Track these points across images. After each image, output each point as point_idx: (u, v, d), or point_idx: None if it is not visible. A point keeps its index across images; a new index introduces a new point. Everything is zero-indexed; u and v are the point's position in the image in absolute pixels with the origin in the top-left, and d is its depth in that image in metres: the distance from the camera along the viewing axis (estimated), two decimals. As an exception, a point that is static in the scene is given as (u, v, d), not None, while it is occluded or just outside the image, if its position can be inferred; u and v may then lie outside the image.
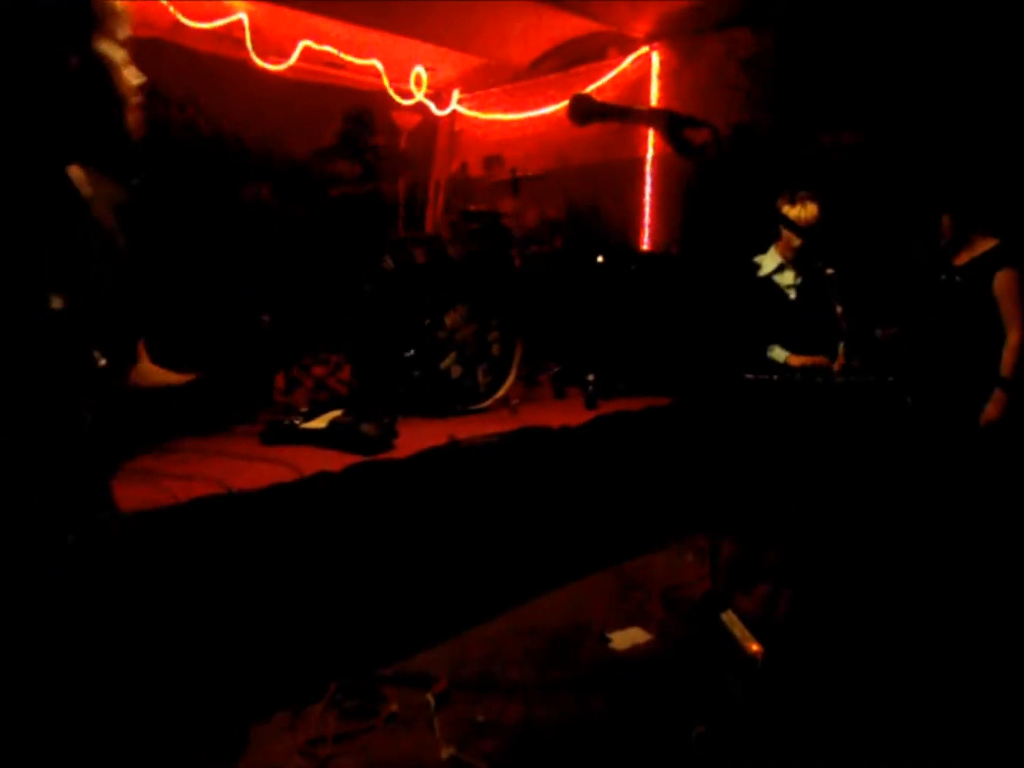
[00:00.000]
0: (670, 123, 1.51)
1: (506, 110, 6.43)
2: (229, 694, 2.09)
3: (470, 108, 6.80)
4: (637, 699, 2.31)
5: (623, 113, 1.61)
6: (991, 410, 2.95)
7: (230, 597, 2.15)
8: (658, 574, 3.29)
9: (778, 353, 3.29)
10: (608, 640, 2.70)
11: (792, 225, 3.09)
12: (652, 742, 2.08)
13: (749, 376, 2.73)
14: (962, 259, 3.10)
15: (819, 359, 3.18)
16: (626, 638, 2.72)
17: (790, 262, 3.35)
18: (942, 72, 3.82)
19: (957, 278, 3.08)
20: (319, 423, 2.91)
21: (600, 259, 4.39)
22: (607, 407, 3.77)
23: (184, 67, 5.59)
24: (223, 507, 2.15)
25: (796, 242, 3.26)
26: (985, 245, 3.06)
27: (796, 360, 3.25)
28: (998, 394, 2.94)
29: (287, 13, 5.52)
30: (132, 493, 2.10)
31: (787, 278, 3.36)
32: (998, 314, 2.98)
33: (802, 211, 3.16)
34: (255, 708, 2.13)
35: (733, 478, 2.98)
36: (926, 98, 3.86)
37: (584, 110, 1.61)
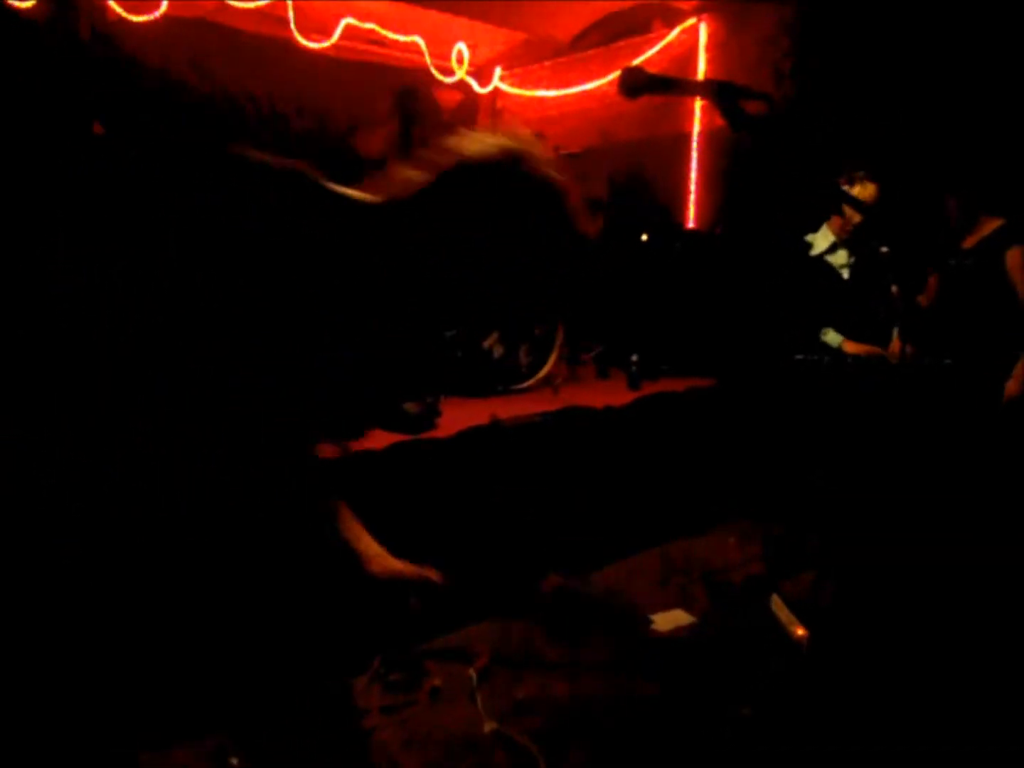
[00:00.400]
0: (724, 94, 1.46)
1: (548, 87, 6.36)
2: (291, 664, 2.13)
3: (512, 85, 6.74)
4: (681, 680, 2.30)
5: (675, 84, 1.57)
6: (1012, 386, 2.89)
7: (273, 578, 2.18)
8: (700, 557, 3.25)
9: (832, 337, 3.20)
10: (651, 622, 2.68)
11: (855, 201, 3.01)
12: (696, 722, 2.07)
13: (799, 357, 2.67)
14: (969, 242, 3.02)
15: (875, 349, 3.10)
16: (669, 620, 2.69)
17: (844, 241, 3.25)
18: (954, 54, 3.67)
19: (966, 262, 3.01)
20: (363, 401, 2.93)
21: (644, 237, 4.32)
22: (650, 388, 3.73)
23: (228, 46, 5.64)
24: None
25: (856, 219, 3.17)
26: (991, 225, 2.98)
27: (851, 347, 3.16)
28: (1019, 370, 2.88)
29: (330, -9, 5.53)
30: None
31: (840, 258, 3.27)
32: (1012, 293, 2.91)
33: (861, 191, 3.07)
34: (310, 679, 2.18)
35: (779, 462, 2.93)
36: (938, 80, 3.74)
37: (635, 82, 1.57)
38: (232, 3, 5.47)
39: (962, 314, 3.04)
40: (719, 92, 1.43)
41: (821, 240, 3.28)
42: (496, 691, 2.27)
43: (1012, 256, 2.91)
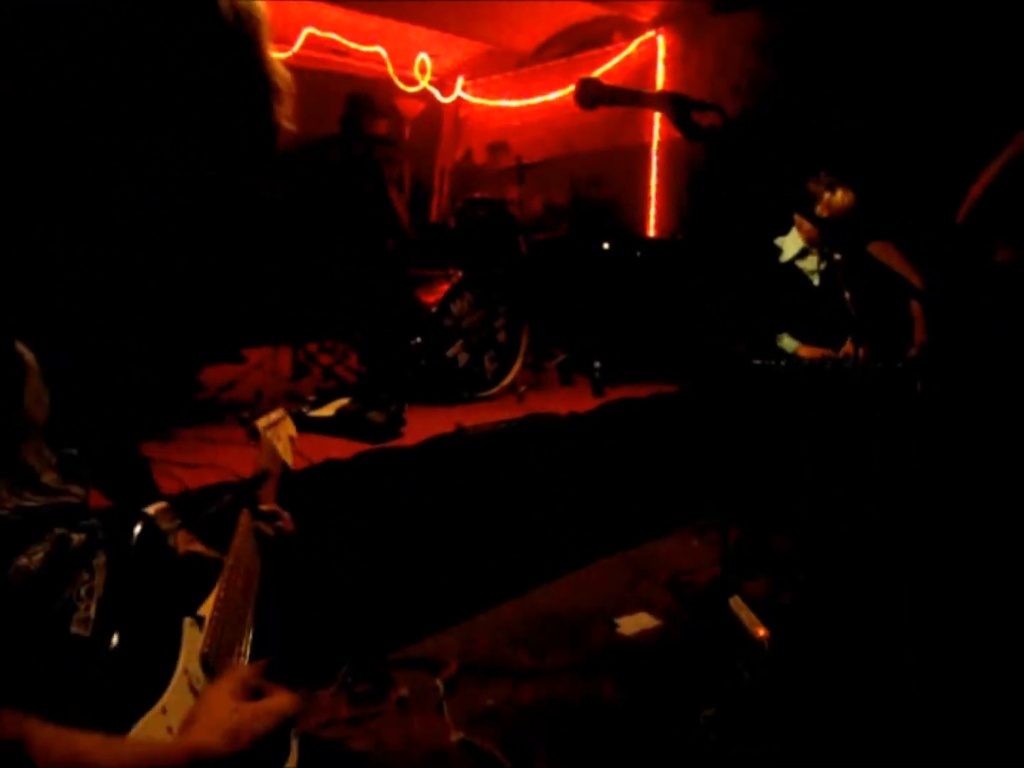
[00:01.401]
0: (678, 106, 1.50)
1: (511, 97, 6.41)
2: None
3: (474, 95, 6.77)
4: (646, 683, 2.33)
5: (631, 96, 1.60)
6: (919, 334, 3.07)
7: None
8: (665, 560, 3.30)
9: (788, 343, 3.23)
10: (616, 626, 2.71)
11: (806, 212, 3.05)
12: (662, 725, 2.10)
13: (757, 362, 2.71)
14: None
15: (827, 352, 3.13)
16: (634, 623, 2.73)
17: (814, 245, 3.28)
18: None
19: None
20: (327, 411, 2.92)
21: (606, 246, 4.37)
22: (613, 394, 3.77)
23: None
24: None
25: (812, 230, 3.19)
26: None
27: (806, 351, 3.19)
28: (919, 318, 3.07)
29: (290, 0, 5.50)
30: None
31: (810, 263, 3.29)
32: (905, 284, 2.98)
33: (840, 197, 3.08)
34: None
35: (739, 464, 2.98)
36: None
37: (592, 94, 1.59)
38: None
39: (877, 314, 3.06)
40: (673, 104, 1.46)
41: (791, 245, 3.28)
42: (464, 699, 2.28)
43: (878, 250, 2.91)
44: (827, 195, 3.09)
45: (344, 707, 2.16)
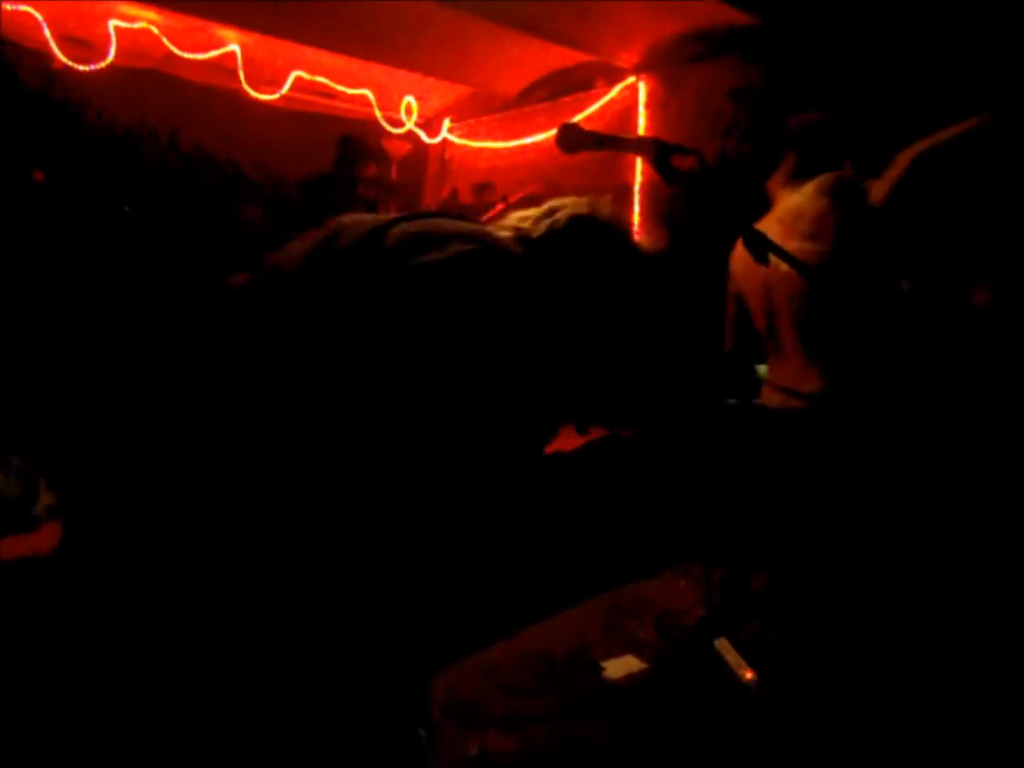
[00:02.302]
0: (657, 151, 1.53)
1: (496, 138, 6.52)
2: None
3: (460, 136, 6.88)
4: (634, 729, 2.29)
5: (610, 141, 1.63)
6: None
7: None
8: (651, 601, 3.27)
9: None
10: (602, 669, 2.67)
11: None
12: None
13: (730, 401, 2.74)
14: None
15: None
16: (620, 667, 2.69)
17: None
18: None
19: None
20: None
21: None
22: (599, 432, 3.77)
23: (178, 97, 5.66)
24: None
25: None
26: None
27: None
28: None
29: (280, 44, 5.61)
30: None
31: None
32: None
33: None
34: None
35: (723, 505, 2.98)
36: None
37: (572, 139, 1.63)
38: (180, 54, 5.51)
39: None
40: (651, 149, 1.50)
41: None
42: (446, 749, 2.22)
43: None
44: None
45: (323, 756, 2.10)
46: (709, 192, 1.56)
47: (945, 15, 3.83)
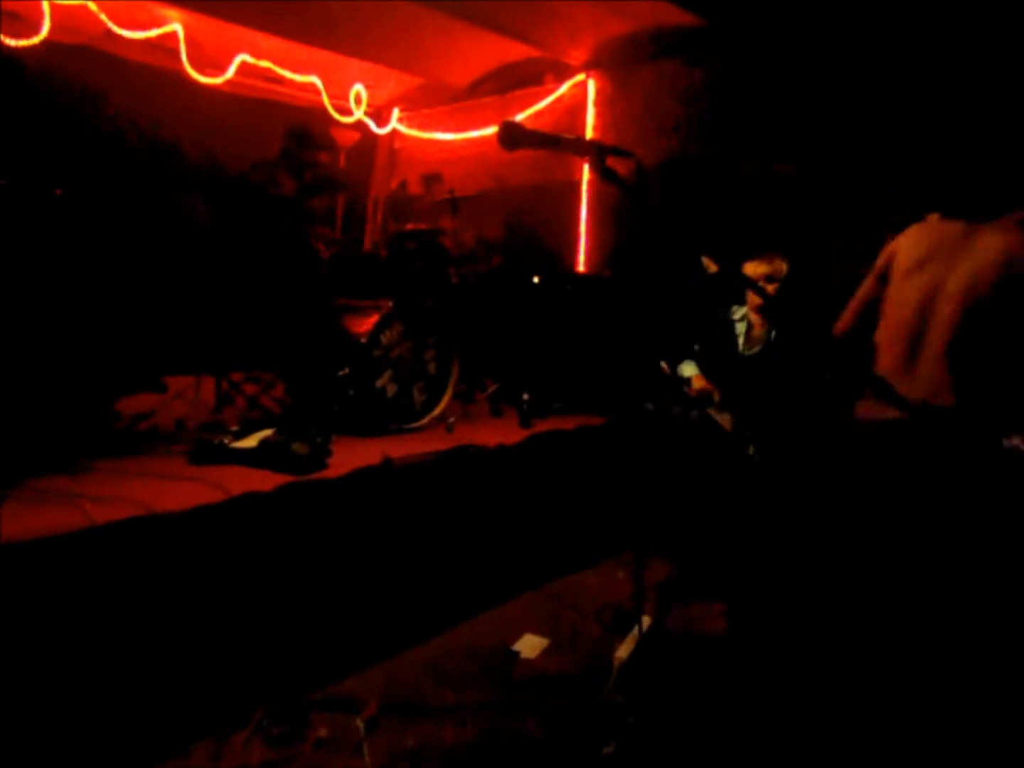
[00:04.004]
0: (595, 152, 1.56)
1: (446, 130, 6.49)
2: (144, 727, 2.02)
3: (410, 127, 6.83)
4: (565, 719, 2.33)
5: (550, 141, 1.65)
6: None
7: (149, 622, 2.08)
8: (590, 591, 3.33)
9: (687, 368, 3.37)
10: (517, 653, 2.74)
11: (755, 286, 3.18)
12: (576, 761, 2.10)
13: (648, 405, 2.81)
14: None
15: (716, 393, 3.26)
16: (529, 646, 2.77)
17: (754, 312, 3.43)
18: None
19: None
20: (250, 442, 2.86)
21: (536, 280, 4.45)
22: (542, 425, 3.81)
23: (116, 76, 5.47)
24: (144, 529, 2.09)
25: (756, 300, 3.34)
26: None
27: (700, 382, 3.34)
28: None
29: (224, 27, 5.46)
30: (44, 516, 2.03)
31: (741, 325, 3.46)
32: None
33: (773, 266, 3.24)
34: (172, 740, 2.07)
35: (660, 495, 3.04)
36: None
37: (513, 137, 1.64)
38: (119, 32, 5.32)
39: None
40: (589, 150, 1.52)
41: (739, 312, 3.48)
42: (385, 739, 2.23)
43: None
44: (752, 267, 3.26)
45: (258, 751, 2.10)
46: (644, 194, 1.59)
47: (889, 25, 3.96)
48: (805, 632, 2.53)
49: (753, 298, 3.37)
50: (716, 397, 3.24)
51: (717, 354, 3.42)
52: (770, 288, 3.25)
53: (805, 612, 2.58)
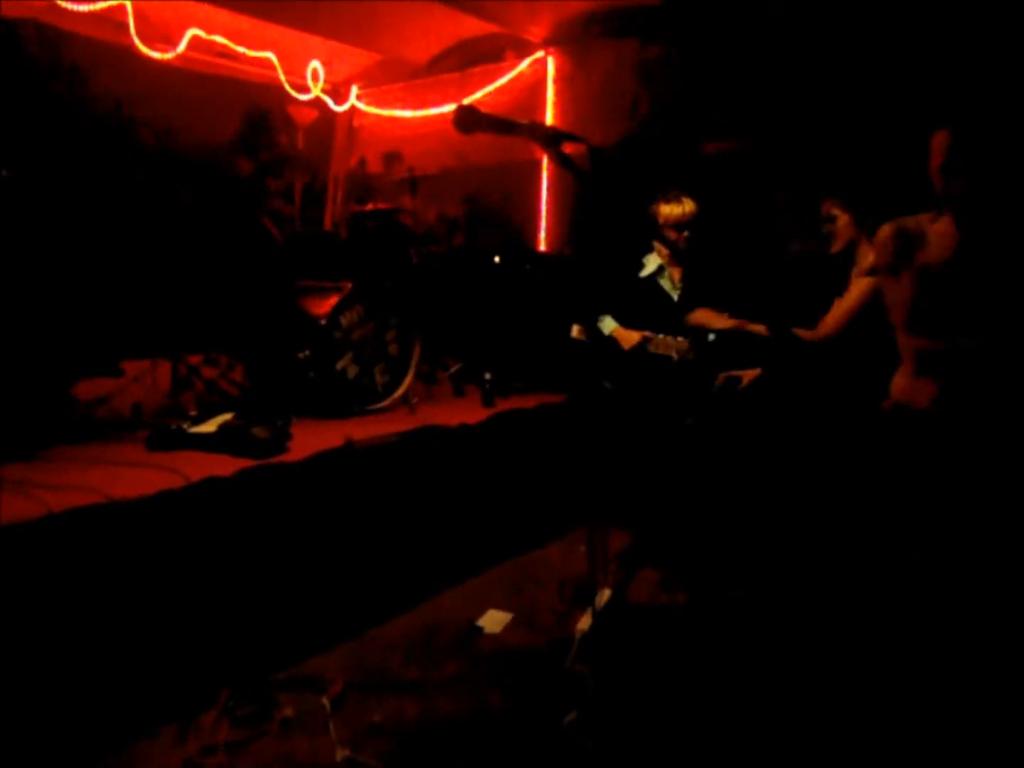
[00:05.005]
0: (548, 137, 1.58)
1: (405, 107, 6.42)
2: (111, 711, 2.03)
3: (369, 104, 6.74)
4: (530, 691, 2.39)
5: (506, 126, 1.67)
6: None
7: (109, 610, 2.08)
8: (554, 565, 3.38)
9: (607, 323, 3.35)
10: (481, 628, 2.79)
11: (662, 237, 3.21)
12: (540, 731, 2.16)
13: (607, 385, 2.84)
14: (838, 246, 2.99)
15: (646, 333, 3.21)
16: (492, 621, 2.82)
17: (671, 263, 3.45)
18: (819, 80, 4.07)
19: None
20: (208, 427, 2.84)
21: (496, 259, 4.46)
22: (504, 404, 3.84)
23: (61, 52, 5.29)
24: (102, 517, 2.08)
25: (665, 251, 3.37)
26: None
27: (622, 332, 3.31)
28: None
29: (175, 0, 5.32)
30: None
31: (667, 281, 3.48)
32: None
33: (677, 207, 3.22)
34: (140, 723, 2.08)
35: (614, 468, 3.09)
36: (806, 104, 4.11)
37: (469, 120, 1.66)
38: (64, 4, 5.15)
39: None
40: (542, 135, 1.55)
41: (651, 262, 3.46)
42: (351, 717, 2.27)
43: (700, 318, 3.05)
44: (661, 207, 3.26)
45: (225, 731, 2.12)
46: (598, 181, 1.62)
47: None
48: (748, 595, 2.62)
49: (661, 248, 3.38)
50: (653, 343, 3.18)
51: (645, 300, 3.40)
52: (682, 235, 3.26)
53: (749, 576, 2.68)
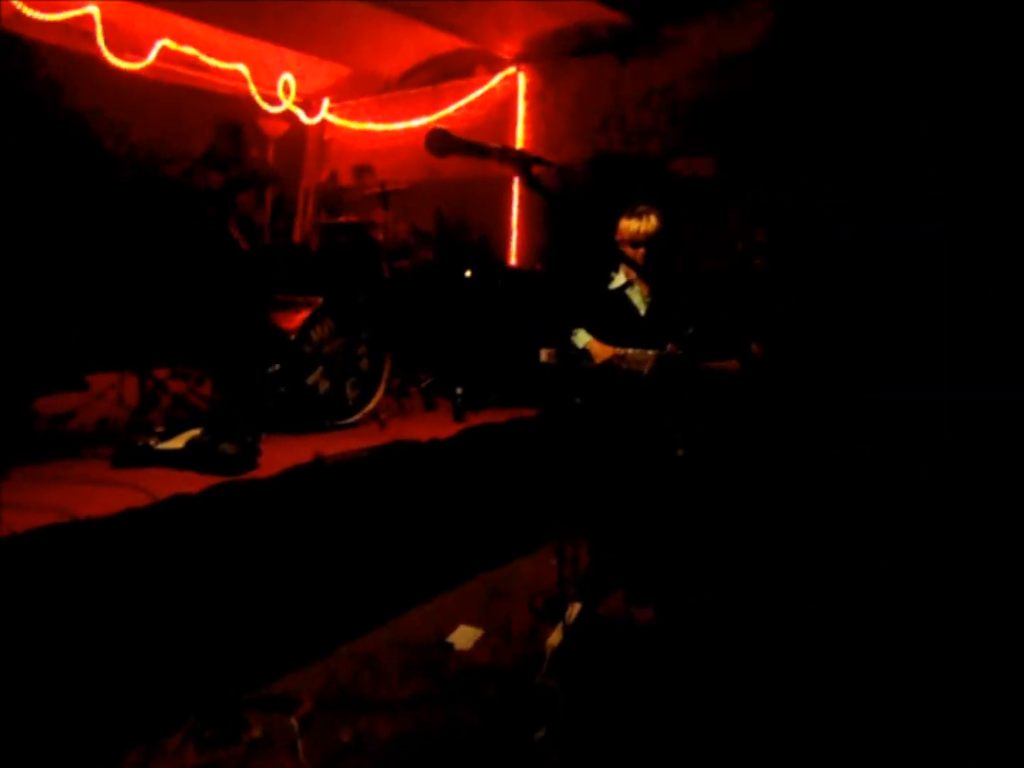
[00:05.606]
0: (519, 162, 1.61)
1: (376, 121, 6.43)
2: (73, 735, 1.99)
3: (340, 117, 6.74)
4: (501, 707, 2.39)
5: (477, 150, 1.70)
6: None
7: (72, 631, 2.04)
8: (525, 580, 3.39)
9: (580, 336, 3.28)
10: (451, 645, 2.78)
11: (625, 258, 3.21)
12: (511, 747, 2.16)
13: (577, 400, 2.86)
14: None
15: (618, 350, 3.12)
16: (463, 637, 2.82)
17: (638, 279, 3.46)
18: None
19: None
20: (176, 443, 2.81)
21: (468, 273, 4.48)
22: (476, 419, 3.85)
23: (27, 62, 5.22)
24: (66, 537, 2.05)
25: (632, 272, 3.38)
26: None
27: (597, 346, 3.23)
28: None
29: (143, 10, 5.29)
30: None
31: (636, 295, 3.49)
32: None
33: (635, 223, 3.17)
34: (101, 748, 2.04)
35: (586, 484, 3.11)
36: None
37: (441, 143, 1.68)
38: (31, 13, 5.09)
39: None
40: (512, 160, 1.57)
41: (620, 277, 3.46)
42: (320, 737, 2.25)
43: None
44: (622, 222, 3.20)
45: (191, 755, 2.09)
46: (567, 203, 1.66)
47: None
48: (724, 613, 2.65)
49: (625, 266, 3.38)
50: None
51: (614, 314, 3.34)
52: (638, 251, 3.21)
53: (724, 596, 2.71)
